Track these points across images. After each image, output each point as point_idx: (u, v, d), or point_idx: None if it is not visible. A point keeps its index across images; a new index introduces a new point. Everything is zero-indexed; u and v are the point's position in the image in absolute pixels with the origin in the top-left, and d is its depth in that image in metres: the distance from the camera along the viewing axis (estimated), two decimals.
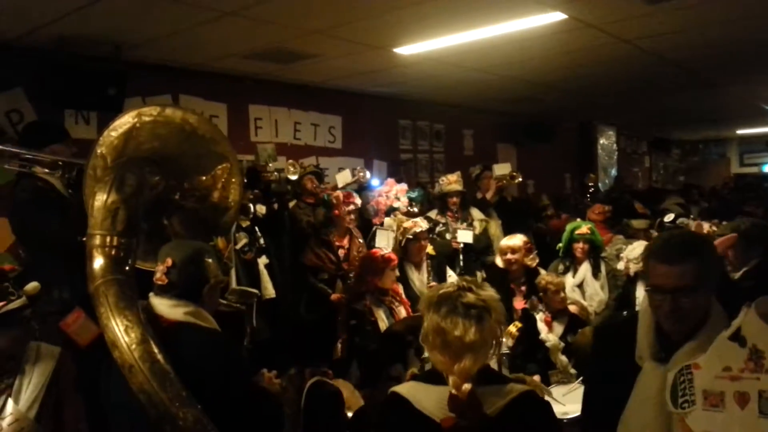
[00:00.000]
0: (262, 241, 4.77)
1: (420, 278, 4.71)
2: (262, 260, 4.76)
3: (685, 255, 1.73)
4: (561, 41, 4.87)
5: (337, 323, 4.30)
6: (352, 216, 4.92)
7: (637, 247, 4.38)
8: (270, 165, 5.40)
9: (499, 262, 4.63)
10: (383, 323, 4.15)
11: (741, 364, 1.49)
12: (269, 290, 4.72)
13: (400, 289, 4.54)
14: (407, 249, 4.72)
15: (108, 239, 2.44)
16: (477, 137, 8.80)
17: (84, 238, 2.54)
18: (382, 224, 5.49)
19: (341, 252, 4.91)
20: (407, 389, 1.85)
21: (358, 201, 5.04)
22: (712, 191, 12.17)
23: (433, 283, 4.59)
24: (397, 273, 4.46)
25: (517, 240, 4.52)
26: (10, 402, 2.39)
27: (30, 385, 2.42)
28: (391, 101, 7.39)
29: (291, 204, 5.33)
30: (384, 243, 4.94)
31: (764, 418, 1.43)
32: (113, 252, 2.44)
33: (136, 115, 2.70)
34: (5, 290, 2.38)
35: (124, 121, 2.69)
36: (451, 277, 5.05)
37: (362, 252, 4.83)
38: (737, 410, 1.47)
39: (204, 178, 2.88)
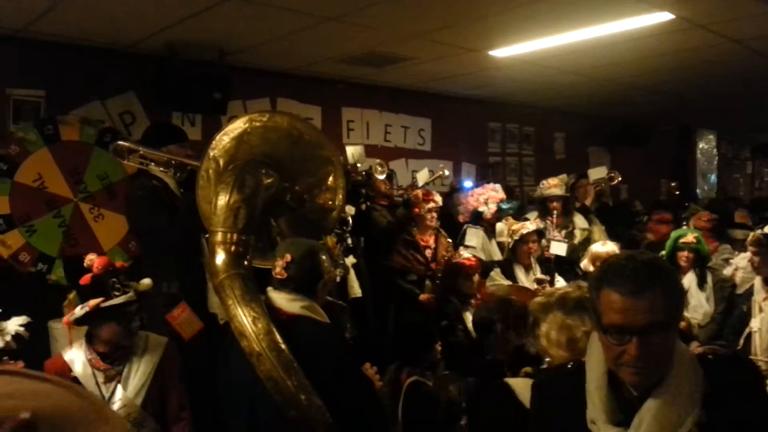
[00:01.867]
0: (349, 240, 4.85)
1: (529, 280, 4.68)
2: (349, 260, 4.84)
3: (653, 282, 1.36)
4: (665, 42, 4.68)
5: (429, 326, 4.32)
6: (434, 214, 4.88)
7: (747, 256, 4.18)
8: (359, 165, 5.48)
9: (590, 267, 4.53)
10: (470, 325, 4.16)
11: None
12: (356, 289, 4.78)
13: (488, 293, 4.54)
14: (516, 250, 4.72)
15: (229, 236, 2.59)
16: (568, 140, 8.60)
17: (206, 236, 2.70)
18: (470, 223, 5.49)
19: (428, 252, 4.92)
20: (521, 385, 1.84)
21: (439, 199, 5.01)
22: None
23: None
24: (477, 278, 4.44)
25: (608, 248, 4.40)
26: (119, 388, 2.55)
27: (138, 373, 2.59)
28: (480, 103, 7.34)
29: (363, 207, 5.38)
30: (474, 242, 4.93)
31: None
32: (234, 248, 2.58)
33: (247, 121, 2.85)
34: (112, 285, 2.55)
35: (236, 126, 2.84)
36: (560, 281, 4.99)
37: (450, 251, 4.84)
38: None
39: (311, 180, 3.00)
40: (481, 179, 6.85)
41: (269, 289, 2.47)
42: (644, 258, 1.41)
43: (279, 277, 2.41)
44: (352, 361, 2.44)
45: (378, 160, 5.56)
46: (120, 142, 3.38)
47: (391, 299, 4.87)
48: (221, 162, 2.76)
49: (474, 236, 4.93)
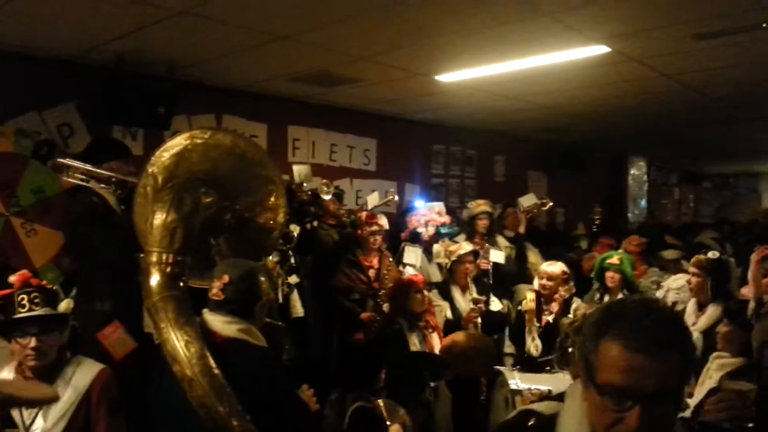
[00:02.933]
0: (293, 260, 4.82)
1: (466, 300, 4.77)
2: (293, 279, 4.81)
3: (674, 341, 1.14)
4: (602, 74, 4.89)
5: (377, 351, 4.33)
6: (377, 237, 4.92)
7: (680, 278, 4.37)
8: (305, 184, 5.48)
9: (535, 284, 4.67)
10: (415, 348, 4.20)
11: None
12: (298, 309, 4.75)
13: (434, 315, 4.59)
14: (453, 272, 4.81)
15: (165, 257, 2.52)
16: (508, 164, 8.82)
17: (141, 255, 2.62)
18: (410, 240, 5.56)
19: (371, 272, 4.95)
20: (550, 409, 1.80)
21: (384, 222, 5.06)
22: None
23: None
24: (427, 295, 4.51)
25: (557, 268, 4.53)
26: (40, 417, 2.39)
27: (60, 402, 2.39)
28: (425, 126, 7.46)
29: (315, 224, 5.38)
30: (413, 260, 5.00)
31: None
32: (169, 269, 2.51)
33: (188, 137, 2.78)
34: (19, 302, 2.44)
35: (177, 143, 2.77)
36: (494, 302, 5.10)
37: (391, 269, 4.89)
38: None
39: (252, 200, 2.96)
40: (426, 200, 6.93)
41: (205, 311, 2.42)
42: (665, 310, 1.20)
43: (216, 298, 2.37)
44: (288, 385, 2.42)
45: (324, 180, 5.56)
46: (60, 160, 3.26)
47: (334, 319, 4.87)
48: (160, 179, 2.68)
49: (412, 254, 5.00)
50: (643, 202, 11.73)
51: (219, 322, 2.35)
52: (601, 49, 4.22)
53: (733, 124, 7.82)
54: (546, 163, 9.38)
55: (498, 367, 4.21)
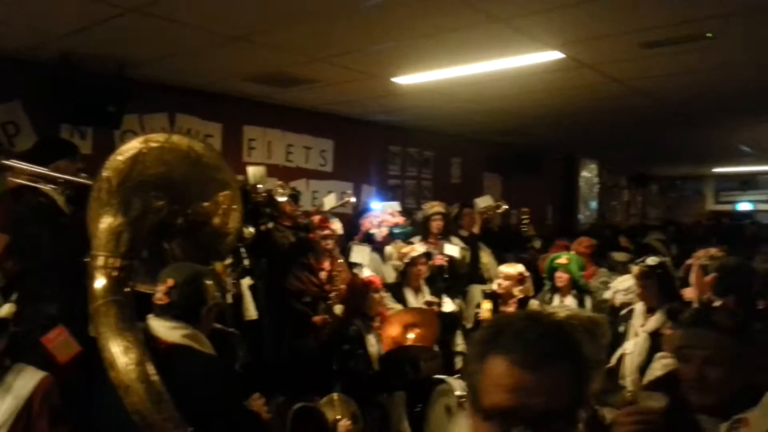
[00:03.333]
0: (246, 262, 4.76)
1: (419, 302, 4.79)
2: (246, 281, 4.75)
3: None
4: (556, 79, 4.99)
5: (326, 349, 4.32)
6: (329, 241, 4.92)
7: (627, 279, 4.48)
8: (260, 186, 5.42)
9: (494, 285, 4.73)
10: (373, 348, 4.20)
11: None
12: (251, 312, 4.70)
13: (387, 313, 4.61)
14: (406, 274, 4.82)
15: (110, 261, 2.48)
16: (464, 166, 8.91)
17: (87, 259, 2.55)
18: (361, 240, 5.57)
19: (323, 274, 4.93)
20: None
21: (336, 226, 5.06)
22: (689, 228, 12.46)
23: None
24: (383, 296, 4.52)
25: (513, 270, 4.61)
26: None
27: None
28: (382, 127, 7.48)
29: (270, 226, 5.34)
30: (360, 259, 5.00)
31: None
32: (114, 273, 2.47)
33: (143, 141, 2.75)
34: None
35: (131, 146, 2.73)
36: (447, 303, 5.15)
37: (342, 271, 4.89)
38: None
39: (206, 204, 2.92)
40: (383, 201, 6.95)
41: (149, 316, 2.37)
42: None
43: (160, 302, 2.33)
44: (235, 393, 2.37)
45: (279, 182, 5.52)
46: (5, 161, 3.14)
47: (287, 321, 4.84)
48: (113, 182, 2.64)
49: (359, 253, 5.00)
50: (594, 204, 12.02)
51: (163, 328, 2.30)
52: (555, 55, 4.31)
53: (680, 128, 8.08)
54: (501, 165, 9.52)
55: (441, 376, 4.21)
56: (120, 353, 2.20)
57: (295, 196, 5.69)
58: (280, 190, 5.41)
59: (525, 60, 4.38)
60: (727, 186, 15.96)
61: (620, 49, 4.19)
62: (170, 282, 2.33)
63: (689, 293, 3.95)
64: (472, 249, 5.97)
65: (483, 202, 6.64)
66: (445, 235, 5.88)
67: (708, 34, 3.82)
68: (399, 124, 7.49)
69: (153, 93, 5.14)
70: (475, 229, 6.35)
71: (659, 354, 3.32)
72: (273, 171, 6.19)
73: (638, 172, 14.25)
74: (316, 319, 4.71)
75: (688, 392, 1.77)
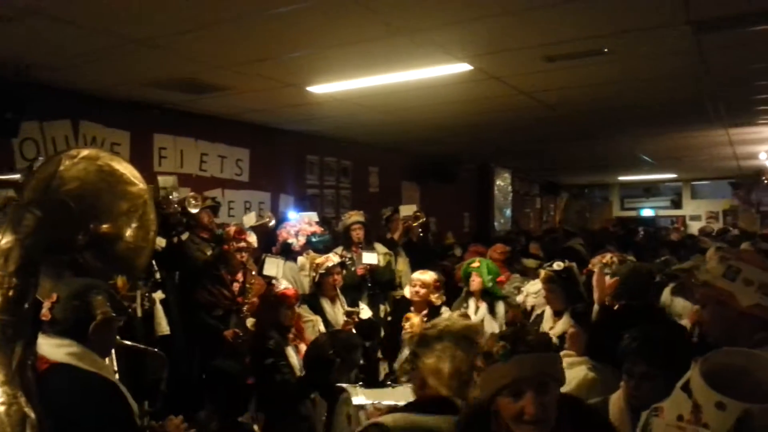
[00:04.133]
0: (158, 275, 4.62)
1: (336, 312, 4.76)
2: (158, 295, 4.61)
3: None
4: (465, 90, 5.14)
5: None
6: (244, 253, 4.84)
7: (537, 283, 4.63)
8: (171, 197, 5.27)
9: (407, 292, 4.77)
10: (293, 360, 4.14)
11: (688, 414, 1.50)
12: (163, 327, 4.56)
13: (304, 326, 4.56)
14: (321, 284, 4.79)
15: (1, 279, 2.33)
16: (382, 175, 9.00)
17: None
18: (282, 253, 5.52)
19: (235, 286, 4.85)
20: (395, 421, 1.85)
21: (252, 239, 5.00)
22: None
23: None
24: (297, 309, 4.48)
25: (428, 276, 4.67)
26: None
27: None
28: (299, 136, 7.44)
29: (184, 237, 5.22)
30: (273, 271, 4.94)
31: None
32: (10, 292, 2.33)
33: (58, 158, 2.61)
34: None
35: (48, 164, 2.59)
36: (364, 310, 5.15)
37: (255, 283, 4.82)
38: None
39: (120, 218, 2.81)
40: (300, 211, 6.91)
41: (39, 333, 2.26)
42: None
43: (44, 318, 2.21)
44: (111, 417, 2.23)
45: (192, 193, 5.39)
46: None
47: (198, 336, 4.72)
48: (26, 200, 2.49)
49: (273, 265, 4.95)
50: (508, 212, 12.42)
51: (48, 346, 2.18)
52: (463, 67, 4.43)
53: (585, 139, 8.51)
54: (419, 174, 9.69)
55: (342, 384, 4.21)
56: None
57: (214, 208, 5.58)
58: (193, 201, 5.29)
59: (434, 72, 4.49)
60: (632, 193, 16.91)
61: (524, 62, 4.37)
62: (54, 297, 2.23)
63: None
64: (395, 254, 6.05)
65: (405, 210, 6.77)
66: (368, 243, 5.92)
67: (605, 49, 4.04)
68: (316, 133, 7.48)
69: (54, 98, 4.88)
70: (396, 236, 6.45)
71: (563, 353, 3.44)
72: (186, 181, 6.04)
73: (549, 180, 14.85)
74: (227, 333, 4.61)
75: None
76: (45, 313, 2.21)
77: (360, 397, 3.71)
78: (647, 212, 16.51)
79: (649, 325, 2.64)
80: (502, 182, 12.17)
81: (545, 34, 3.80)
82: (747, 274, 1.91)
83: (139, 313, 4.08)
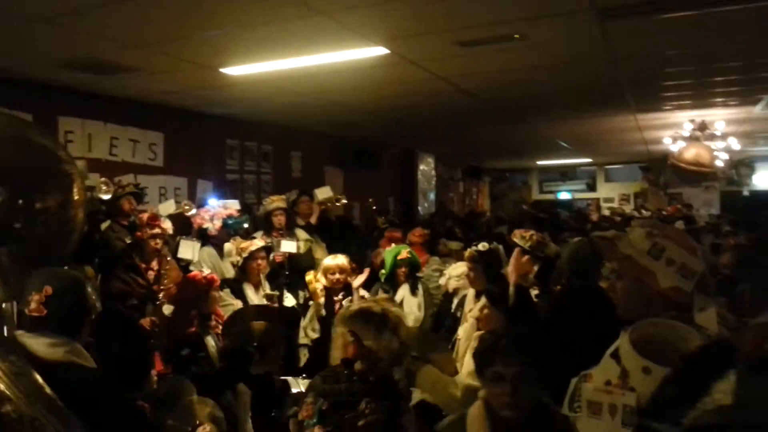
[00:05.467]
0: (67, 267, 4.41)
1: (259, 297, 4.69)
2: None
3: None
4: (384, 74, 5.14)
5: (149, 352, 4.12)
6: (158, 240, 4.70)
7: (461, 266, 4.71)
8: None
9: (323, 280, 4.75)
10: (213, 350, 4.05)
11: (616, 379, 1.60)
12: None
13: (221, 312, 4.48)
14: (245, 268, 4.70)
15: None
16: (305, 159, 8.91)
17: None
18: (199, 239, 5.38)
19: (150, 274, 4.69)
20: None
21: (167, 226, 4.85)
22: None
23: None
24: (218, 295, 4.40)
25: (343, 261, 4.68)
26: None
27: None
28: (218, 120, 7.25)
29: (104, 225, 5.02)
30: (189, 254, 4.82)
31: (626, 429, 1.63)
32: None
33: None
34: None
35: None
36: (288, 298, 5.11)
37: (171, 269, 4.69)
38: (609, 420, 1.66)
39: (47, 198, 2.62)
40: (221, 197, 6.75)
41: (20, 333, 2.07)
42: None
43: (36, 314, 2.06)
44: (125, 404, 2.22)
45: (103, 178, 5.17)
46: None
47: (113, 325, 4.54)
48: None
49: (188, 248, 4.82)
50: (432, 196, 12.59)
51: (42, 346, 2.02)
52: (380, 51, 4.43)
53: (505, 124, 8.70)
54: (342, 158, 9.65)
55: (285, 377, 4.19)
56: None
57: (138, 194, 5.37)
58: (104, 188, 5.08)
59: (351, 54, 4.47)
60: (550, 177, 17.50)
61: (440, 47, 4.40)
62: (48, 290, 2.07)
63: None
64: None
65: (322, 193, 6.69)
66: (290, 228, 5.85)
67: (515, 36, 4.13)
68: (235, 116, 7.31)
69: None
70: (313, 220, 6.40)
71: (476, 333, 3.51)
72: (95, 166, 5.79)
73: (472, 165, 15.15)
74: (144, 321, 4.46)
75: None
76: (37, 308, 2.04)
77: (299, 387, 3.70)
78: (564, 195, 17.14)
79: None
80: (426, 167, 12.31)
81: (458, 19, 3.84)
82: (670, 253, 1.85)
83: None
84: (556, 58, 4.82)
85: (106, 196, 4.97)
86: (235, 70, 4.92)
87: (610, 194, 16.29)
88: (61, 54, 4.39)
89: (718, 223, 9.43)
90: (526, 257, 3.90)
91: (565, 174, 17.21)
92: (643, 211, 12.15)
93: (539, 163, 15.98)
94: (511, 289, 3.61)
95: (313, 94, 6.07)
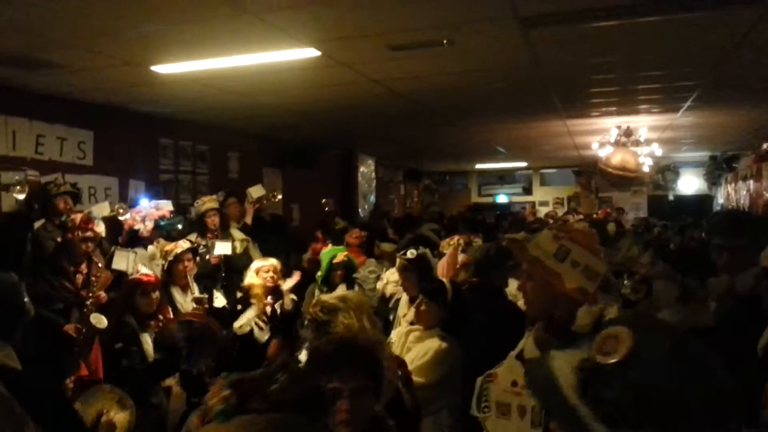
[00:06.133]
0: None
1: (187, 300, 4.65)
2: None
3: None
4: (317, 76, 5.17)
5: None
6: (90, 243, 4.59)
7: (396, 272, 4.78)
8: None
9: (252, 279, 4.76)
10: (149, 346, 4.02)
11: (522, 380, 1.61)
12: None
13: (169, 312, 4.42)
14: (171, 272, 4.64)
15: None
16: (243, 160, 8.84)
17: None
18: (129, 241, 5.28)
19: (79, 278, 4.58)
20: None
21: (100, 229, 4.75)
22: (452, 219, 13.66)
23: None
24: (158, 295, 4.34)
25: (270, 262, 4.72)
26: None
27: None
28: (151, 118, 7.11)
29: (38, 225, 4.87)
30: (123, 265, 4.72)
31: (536, 429, 1.69)
32: None
33: None
34: None
35: None
36: (218, 298, 5.07)
37: (101, 274, 4.60)
38: (518, 420, 1.72)
39: None
40: (153, 197, 6.63)
41: None
42: None
43: None
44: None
45: (17, 177, 5.01)
46: None
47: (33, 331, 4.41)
48: None
49: (122, 259, 4.69)
50: (373, 198, 12.68)
51: None
52: (311, 52, 4.46)
53: (442, 127, 8.87)
54: (280, 159, 9.62)
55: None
56: None
57: (75, 194, 5.24)
58: (18, 188, 4.93)
59: (281, 55, 4.48)
60: (488, 181, 17.89)
61: (370, 50, 4.47)
62: None
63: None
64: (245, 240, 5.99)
65: (256, 192, 6.66)
66: (225, 229, 5.82)
67: (444, 41, 4.24)
68: (169, 115, 7.20)
69: None
70: (248, 220, 6.37)
71: (409, 327, 3.61)
72: (21, 164, 5.60)
73: (411, 167, 15.33)
74: (68, 327, 4.34)
75: None
76: None
77: None
78: (502, 198, 17.55)
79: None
80: (366, 169, 12.39)
81: (387, 23, 3.89)
82: (575, 255, 1.87)
83: None
84: (483, 63, 4.97)
85: (21, 196, 4.82)
86: (165, 68, 4.85)
87: (545, 198, 16.78)
88: None
89: (649, 224, 9.90)
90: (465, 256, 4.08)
91: (503, 178, 17.63)
92: (575, 215, 12.58)
93: (478, 166, 16.31)
94: (448, 286, 3.72)
95: (247, 94, 6.04)
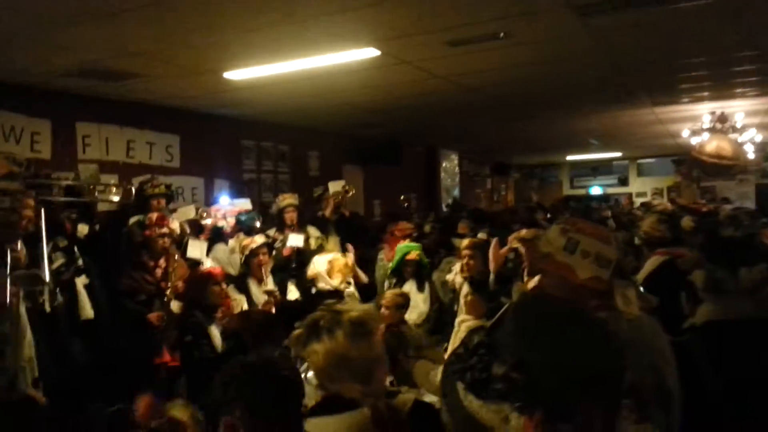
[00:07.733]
0: (80, 261, 4.65)
1: (261, 292, 4.87)
2: (81, 280, 4.65)
3: None
4: (380, 74, 5.23)
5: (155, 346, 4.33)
6: (166, 239, 4.88)
7: None
8: (98, 185, 5.30)
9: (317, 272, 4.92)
10: (216, 339, 4.24)
11: None
12: (87, 311, 4.59)
13: (233, 305, 4.66)
14: (248, 265, 4.89)
15: None
16: (323, 159, 9.06)
17: None
18: (213, 238, 5.58)
19: (158, 271, 4.89)
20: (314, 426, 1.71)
21: (174, 226, 5.05)
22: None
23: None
24: (224, 287, 4.57)
25: (332, 257, 4.84)
26: None
27: None
28: (233, 121, 7.46)
29: (132, 221, 5.25)
30: (197, 253, 5.01)
31: None
32: None
33: None
34: None
35: None
36: (291, 291, 5.26)
37: (178, 266, 4.89)
38: None
39: None
40: (235, 196, 6.95)
41: None
42: None
43: None
44: None
45: (113, 180, 5.40)
46: None
47: (123, 321, 4.78)
48: None
49: (196, 248, 5.00)
50: (456, 192, 12.59)
51: None
52: (372, 52, 4.51)
53: (521, 120, 8.68)
54: (361, 157, 9.74)
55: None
56: None
57: (169, 196, 5.58)
58: (114, 190, 5.31)
59: (343, 57, 4.56)
60: (581, 172, 17.26)
61: (430, 47, 4.47)
62: None
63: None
64: (326, 233, 6.16)
65: (334, 186, 6.83)
66: (302, 226, 6.01)
67: (501, 34, 4.17)
68: (250, 117, 7.50)
69: None
70: (327, 213, 6.53)
71: (460, 318, 3.60)
72: (113, 168, 6.06)
73: (499, 161, 15.06)
74: (152, 317, 4.68)
75: None
76: None
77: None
78: (596, 190, 16.88)
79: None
80: (449, 164, 12.32)
81: (443, 19, 3.88)
82: (585, 245, 1.89)
83: (47, 308, 4.08)
84: (545, 54, 4.83)
85: (116, 198, 5.20)
86: (236, 74, 5.08)
87: (642, 189, 15.97)
88: (68, 63, 4.59)
89: (736, 215, 9.19)
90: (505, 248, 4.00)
91: (596, 169, 16.95)
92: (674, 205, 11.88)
93: (569, 158, 15.78)
94: (492, 277, 3.69)
95: (320, 95, 6.19)
